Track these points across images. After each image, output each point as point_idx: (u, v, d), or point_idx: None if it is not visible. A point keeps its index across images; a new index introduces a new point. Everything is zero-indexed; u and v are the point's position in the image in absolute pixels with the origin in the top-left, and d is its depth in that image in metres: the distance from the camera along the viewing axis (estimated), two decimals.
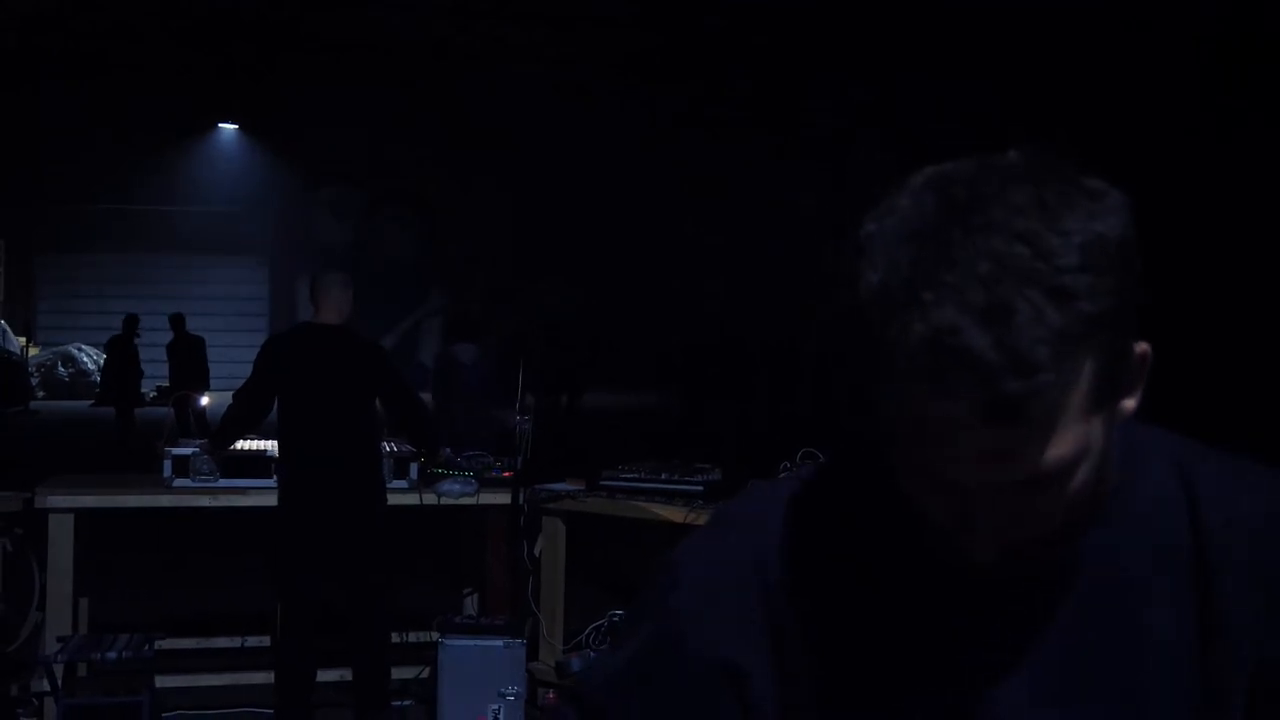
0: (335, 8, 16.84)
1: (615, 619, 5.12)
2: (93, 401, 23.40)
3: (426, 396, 5.97)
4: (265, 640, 5.23)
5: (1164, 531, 0.98)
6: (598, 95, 18.69)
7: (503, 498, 5.23)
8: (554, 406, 13.67)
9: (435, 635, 4.89)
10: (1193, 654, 0.96)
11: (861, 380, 0.89)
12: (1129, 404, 0.92)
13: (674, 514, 4.91)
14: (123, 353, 15.61)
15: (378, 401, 4.90)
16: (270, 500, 4.82)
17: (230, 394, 5.06)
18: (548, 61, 18.38)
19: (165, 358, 15.48)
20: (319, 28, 18.01)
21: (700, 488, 5.04)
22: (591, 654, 5.04)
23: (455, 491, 5.25)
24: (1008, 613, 0.97)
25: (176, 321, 15.56)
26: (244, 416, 4.83)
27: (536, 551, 5.28)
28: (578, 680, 1.13)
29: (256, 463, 5.14)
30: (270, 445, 5.08)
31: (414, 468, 5.29)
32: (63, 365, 25.61)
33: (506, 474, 5.31)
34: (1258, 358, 8.81)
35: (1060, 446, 0.85)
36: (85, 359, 25.78)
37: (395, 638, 5.17)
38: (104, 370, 16.18)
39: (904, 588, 0.99)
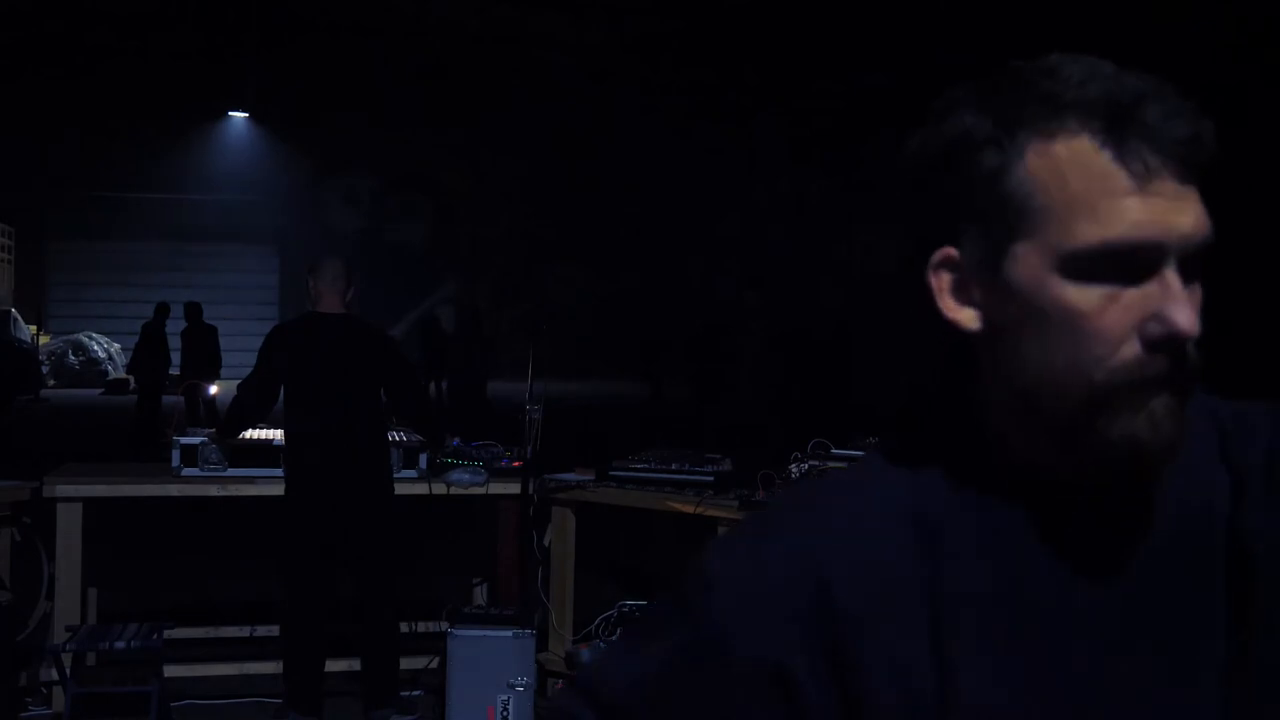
0: None
1: (625, 610, 5.09)
2: (103, 390, 23.47)
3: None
4: (274, 630, 5.22)
5: (1201, 458, 0.96)
6: (614, 81, 18.60)
7: (512, 487, 5.20)
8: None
9: (444, 625, 4.84)
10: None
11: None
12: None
13: (684, 504, 4.87)
14: (154, 340, 15.64)
15: (383, 390, 4.88)
16: (279, 489, 4.81)
17: (239, 381, 5.05)
18: (563, 47, 18.30)
19: (179, 345, 15.52)
20: (330, 13, 17.96)
21: (711, 478, 5.01)
22: (601, 644, 5.02)
23: (465, 481, 5.23)
24: (1094, 555, 0.92)
25: (192, 309, 15.59)
26: (250, 407, 4.81)
27: (546, 542, 5.25)
28: (590, 679, 1.07)
29: (265, 452, 5.13)
30: (278, 434, 5.06)
31: (423, 457, 5.28)
32: (73, 353, 25.66)
33: (516, 463, 5.28)
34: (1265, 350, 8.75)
35: (1209, 221, 0.87)
36: (96, 347, 25.83)
37: (404, 627, 5.16)
38: (133, 356, 16.21)
39: (973, 557, 0.93)
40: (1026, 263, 0.88)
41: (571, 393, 17.53)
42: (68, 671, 4.58)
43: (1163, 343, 0.86)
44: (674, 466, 5.10)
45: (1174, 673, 0.91)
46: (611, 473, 5.18)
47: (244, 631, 5.58)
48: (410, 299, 24.10)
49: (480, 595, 5.73)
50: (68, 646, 4.59)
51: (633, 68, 17.98)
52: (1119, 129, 0.85)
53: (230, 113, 25.23)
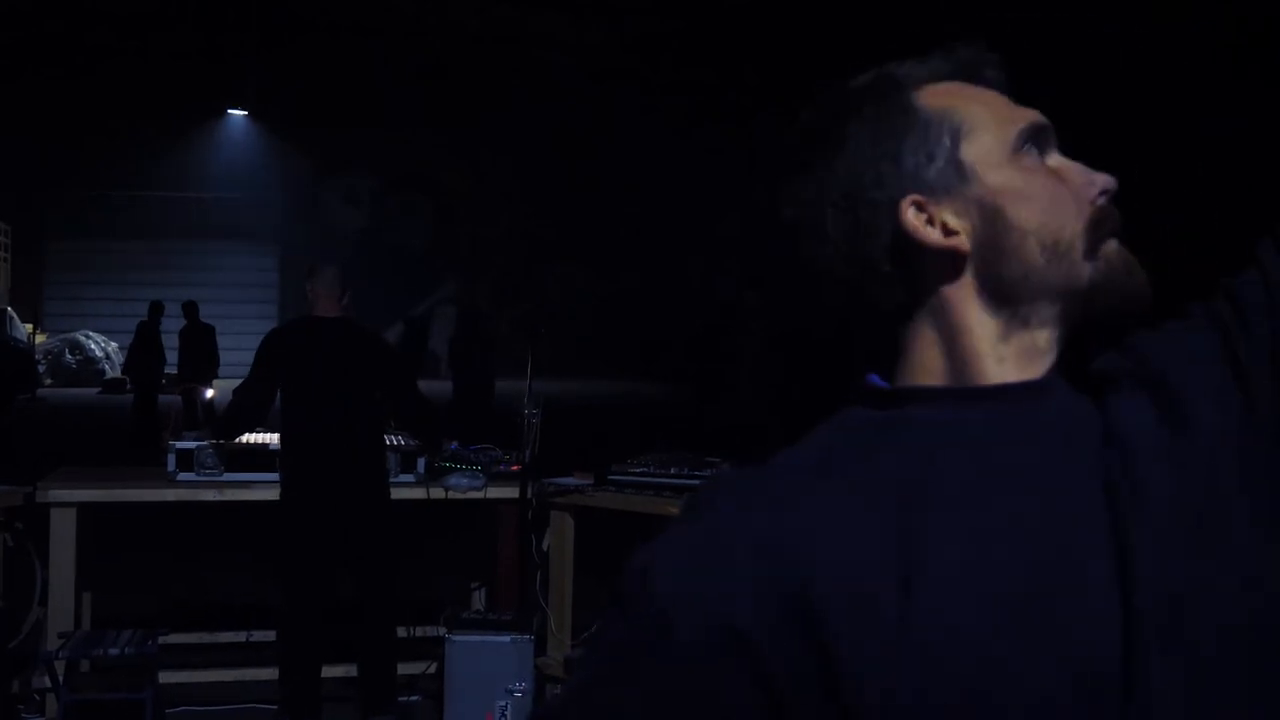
0: None
1: None
2: (100, 389, 23.44)
3: (437, 385, 5.92)
4: (271, 635, 5.18)
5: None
6: (614, 81, 18.55)
7: (511, 492, 5.17)
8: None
9: (442, 630, 4.83)
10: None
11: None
12: None
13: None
14: (149, 339, 15.62)
15: (381, 394, 4.86)
16: (276, 494, 4.78)
17: (238, 382, 5.03)
18: (563, 47, 18.24)
19: (176, 344, 15.50)
20: (330, 13, 17.91)
21: None
22: None
23: (463, 485, 5.19)
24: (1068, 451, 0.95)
25: (189, 309, 15.56)
26: (246, 411, 4.79)
27: (545, 546, 5.22)
28: (543, 709, 1.05)
29: (261, 456, 5.10)
30: (275, 439, 5.04)
31: (421, 461, 5.25)
32: (70, 353, 25.63)
33: (515, 467, 5.25)
34: None
35: None
36: (93, 346, 25.81)
37: (402, 632, 5.13)
38: (129, 355, 16.20)
39: (960, 479, 0.92)
40: (983, 161, 0.99)
41: (572, 392, 17.52)
42: (61, 679, 4.54)
43: (1102, 194, 1.00)
44: (673, 470, 5.06)
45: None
46: (610, 477, 5.13)
47: (240, 636, 5.53)
48: (410, 299, 24.08)
49: (479, 600, 5.70)
50: (61, 653, 4.55)
51: (633, 68, 17.93)
52: (966, 72, 1.04)
53: (229, 111, 25.21)
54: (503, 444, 5.47)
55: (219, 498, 5.09)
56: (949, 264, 0.99)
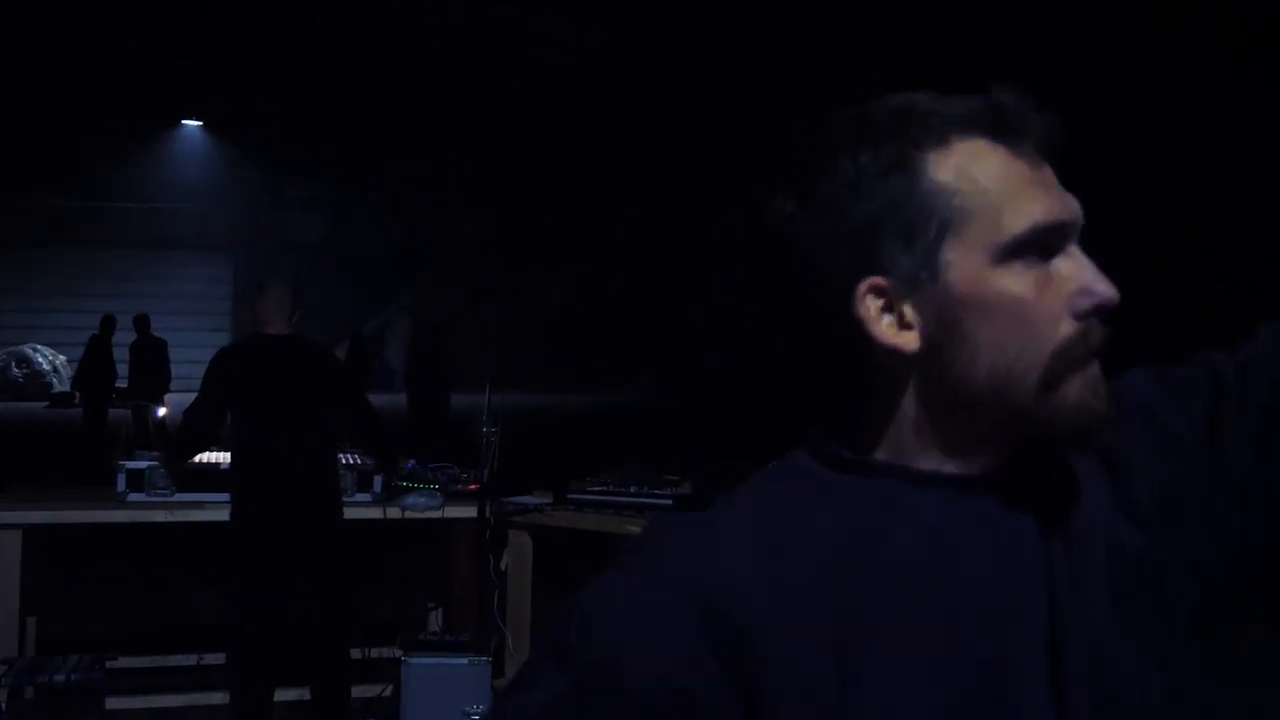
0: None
1: None
2: (48, 404, 23.08)
3: (391, 399, 5.87)
4: (222, 658, 5.10)
5: None
6: (614, 81, 18.36)
7: (469, 511, 5.13)
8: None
9: (398, 652, 4.75)
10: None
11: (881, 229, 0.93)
12: None
13: (641, 527, 4.80)
14: (100, 354, 15.40)
15: (334, 411, 4.81)
16: (228, 514, 4.70)
17: (191, 396, 4.96)
18: (563, 47, 18.02)
19: (127, 358, 15.29)
20: (307, 17, 17.65)
21: (669, 501, 4.95)
22: None
23: (420, 505, 5.14)
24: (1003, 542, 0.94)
25: (140, 322, 15.37)
26: (198, 431, 4.72)
27: (503, 566, 5.17)
28: None
29: (213, 476, 5.02)
30: (227, 458, 4.96)
31: (378, 480, 5.20)
32: (17, 366, 25.23)
33: (472, 487, 5.20)
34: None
35: None
36: (41, 359, 25.42)
37: (356, 654, 5.06)
38: (79, 370, 15.98)
39: (897, 552, 0.93)
40: (961, 264, 0.92)
41: (538, 406, 17.42)
42: (3, 707, 4.44)
43: (1093, 312, 0.93)
44: (632, 489, 5.03)
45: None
46: (569, 495, 5.10)
47: (191, 660, 5.44)
48: (369, 311, 23.91)
49: (435, 621, 5.63)
50: (3, 680, 4.44)
51: (633, 68, 17.74)
52: (1001, 128, 0.94)
53: (184, 121, 24.99)
54: (461, 462, 5.42)
55: (170, 518, 5.01)
56: (895, 354, 0.95)
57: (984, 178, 0.93)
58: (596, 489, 5.09)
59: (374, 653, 5.29)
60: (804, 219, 0.96)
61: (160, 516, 5.00)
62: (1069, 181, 0.98)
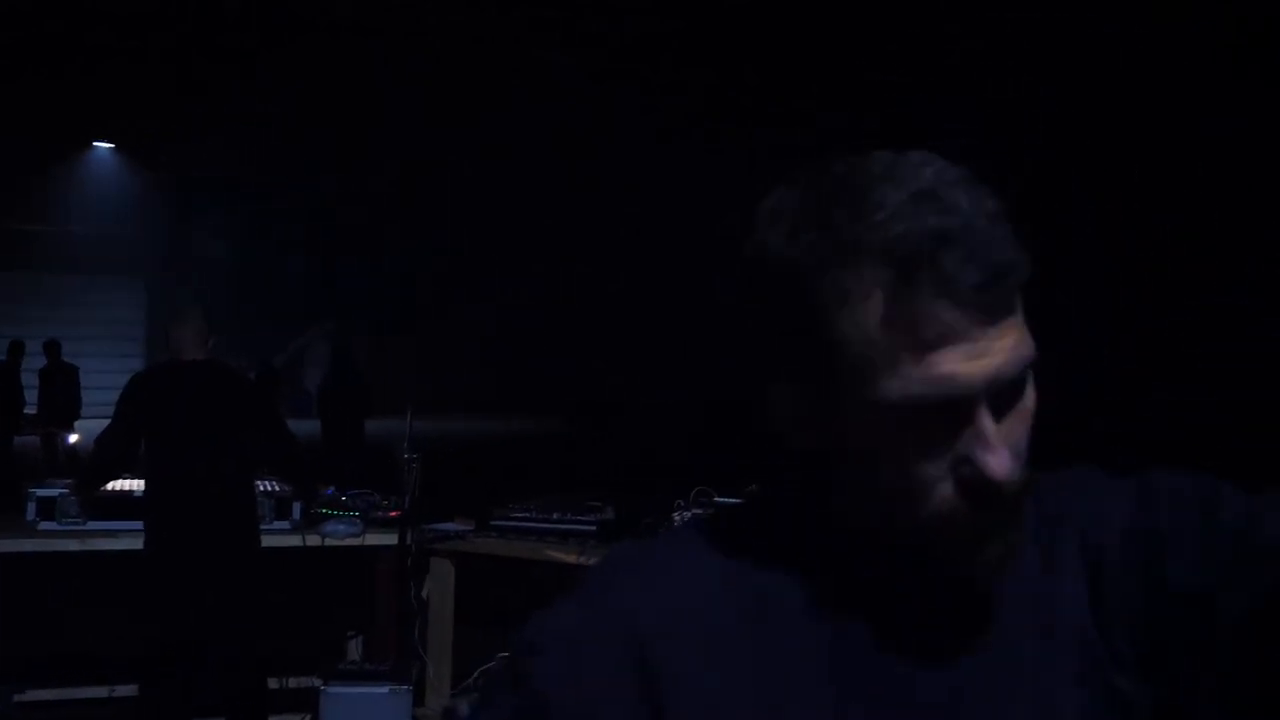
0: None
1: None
2: None
3: (309, 425, 5.81)
4: (134, 689, 4.98)
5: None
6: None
7: (390, 538, 5.09)
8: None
9: (317, 682, 4.72)
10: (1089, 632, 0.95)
11: (794, 353, 0.88)
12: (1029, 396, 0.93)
13: (567, 554, 4.82)
14: (8, 381, 15.02)
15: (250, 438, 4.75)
16: (141, 543, 4.62)
17: (102, 422, 4.87)
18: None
19: (36, 384, 14.94)
20: (218, 38, 17.28)
21: (593, 527, 4.96)
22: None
23: (340, 532, 5.09)
24: (924, 639, 0.93)
25: (51, 348, 15.05)
26: (110, 458, 4.65)
27: (424, 594, 5.13)
28: None
29: (126, 504, 4.93)
30: (139, 486, 4.88)
31: (297, 508, 5.14)
32: None
33: (393, 513, 5.16)
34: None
35: (1028, 340, 0.87)
36: None
37: (274, 684, 4.99)
38: None
39: (802, 621, 0.93)
40: (846, 405, 0.88)
41: (469, 431, 17.23)
42: None
43: (978, 487, 0.87)
44: (555, 516, 5.04)
45: None
46: (492, 522, 5.10)
47: (103, 692, 5.31)
48: (287, 336, 23.57)
49: (355, 650, 5.57)
50: None
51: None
52: (915, 280, 0.83)
53: (95, 144, 24.56)
54: (382, 489, 5.38)
55: (82, 547, 4.90)
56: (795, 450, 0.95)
57: (876, 331, 0.85)
58: (520, 515, 5.09)
59: (292, 682, 5.22)
60: (739, 303, 0.94)
61: (72, 545, 4.90)
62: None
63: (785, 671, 0.92)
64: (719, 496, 4.82)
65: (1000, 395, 0.86)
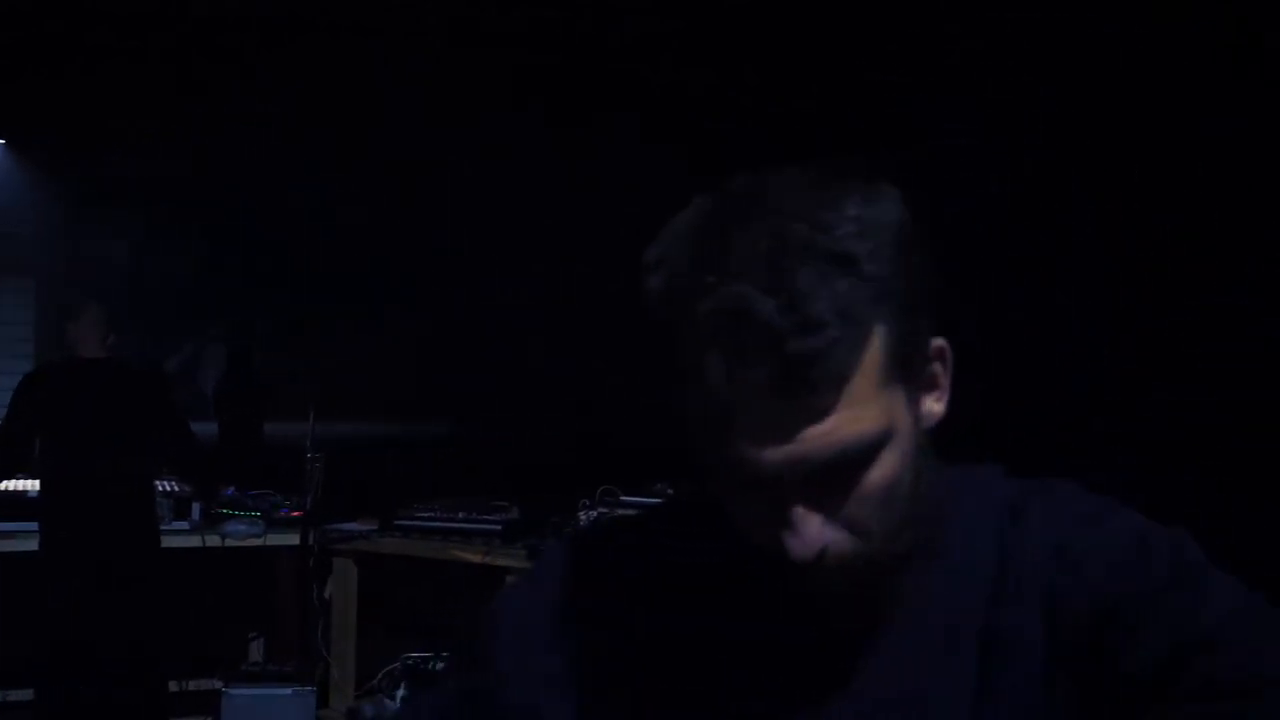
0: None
1: (409, 662, 4.98)
2: None
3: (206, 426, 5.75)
4: (29, 694, 4.89)
5: (966, 572, 0.96)
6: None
7: (292, 539, 5.05)
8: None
9: (219, 684, 4.68)
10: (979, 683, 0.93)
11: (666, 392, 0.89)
12: (934, 407, 0.92)
13: (472, 554, 4.82)
14: None
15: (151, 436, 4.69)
16: (35, 544, 4.53)
17: None
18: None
19: None
20: (103, 34, 16.94)
21: (499, 526, 4.97)
22: (385, 700, 4.90)
23: (241, 532, 5.04)
24: (826, 651, 0.94)
25: None
26: (4, 459, 4.54)
27: (327, 594, 5.10)
28: None
29: (19, 504, 4.82)
30: (34, 486, 4.78)
31: (196, 508, 5.08)
32: None
33: (295, 514, 5.12)
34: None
35: (860, 422, 0.84)
36: None
37: (174, 686, 4.93)
38: None
39: (721, 622, 0.96)
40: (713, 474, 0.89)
41: (374, 433, 16.88)
42: None
43: (788, 562, 0.87)
44: (460, 515, 5.04)
45: None
46: (396, 522, 5.08)
47: None
48: (182, 336, 23.06)
49: (257, 651, 5.51)
50: None
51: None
52: (719, 360, 0.82)
53: None
54: (283, 489, 5.33)
55: None
56: None
57: (700, 400, 0.85)
58: (424, 515, 5.08)
59: (193, 685, 5.16)
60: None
61: None
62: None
63: (695, 673, 0.96)
64: (624, 495, 4.86)
65: (817, 476, 0.85)
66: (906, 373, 0.87)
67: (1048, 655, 0.92)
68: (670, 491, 4.84)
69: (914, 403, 0.89)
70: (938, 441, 0.97)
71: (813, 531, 0.86)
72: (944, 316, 0.96)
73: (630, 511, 4.73)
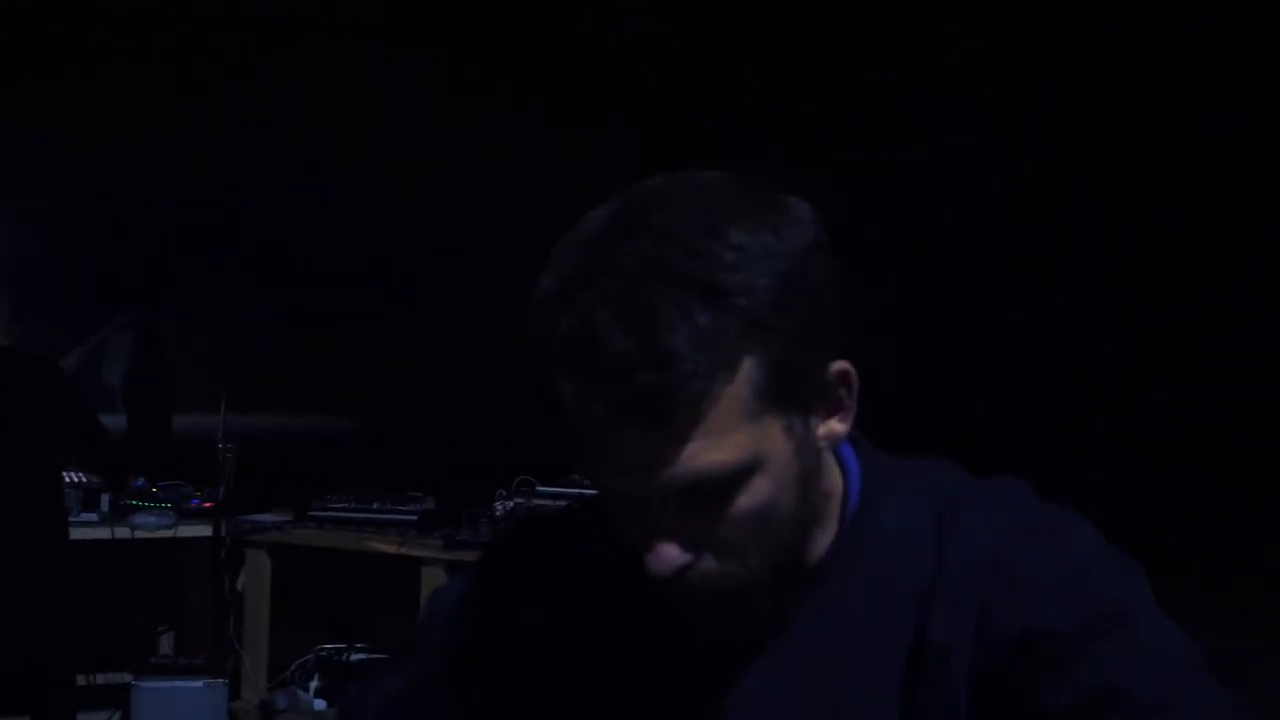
0: None
1: (323, 654, 4.98)
2: None
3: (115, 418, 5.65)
4: None
5: (896, 575, 0.95)
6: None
7: (203, 530, 4.99)
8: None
9: (128, 677, 4.62)
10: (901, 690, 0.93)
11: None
12: (836, 427, 0.92)
13: (387, 544, 4.81)
14: None
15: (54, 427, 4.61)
16: None
17: None
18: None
19: None
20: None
21: (414, 517, 4.96)
22: (298, 692, 4.89)
23: (151, 524, 4.98)
24: (719, 663, 0.95)
25: None
26: None
27: (239, 586, 5.06)
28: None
29: None
30: None
31: (105, 499, 5.01)
32: None
33: (207, 505, 5.07)
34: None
35: (720, 451, 0.83)
36: None
37: (82, 680, 4.86)
38: None
39: (624, 622, 0.98)
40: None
41: (283, 427, 16.65)
42: None
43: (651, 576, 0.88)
44: (375, 506, 5.03)
45: None
46: (310, 513, 5.06)
47: None
48: (89, 325, 22.56)
49: (167, 644, 5.44)
50: None
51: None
52: (582, 382, 0.83)
53: None
54: (195, 481, 5.27)
55: None
56: None
57: (577, 428, 0.87)
58: (339, 506, 5.06)
59: (101, 678, 5.08)
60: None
61: None
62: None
63: (599, 670, 0.99)
64: (540, 485, 4.88)
65: (678, 503, 0.86)
66: (787, 401, 0.86)
67: (970, 674, 0.91)
68: (586, 482, 4.84)
69: (801, 427, 0.88)
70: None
71: (671, 553, 0.87)
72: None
73: (546, 503, 4.77)
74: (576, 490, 4.85)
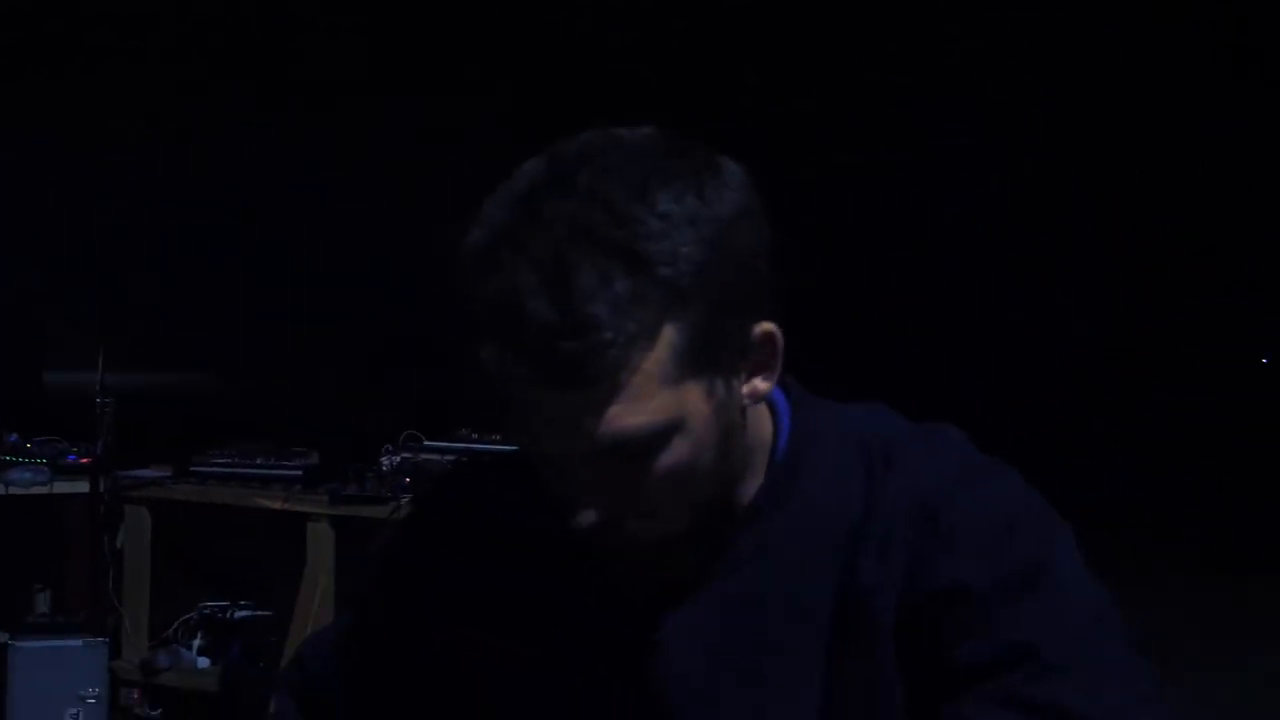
0: None
1: (205, 611, 4.92)
2: None
3: None
4: None
5: (826, 516, 0.96)
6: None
7: (80, 486, 4.91)
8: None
9: (4, 637, 4.57)
10: (830, 633, 0.95)
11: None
12: (761, 385, 0.93)
13: (271, 500, 4.77)
14: None
15: None
16: None
17: None
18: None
19: None
20: None
21: (299, 472, 4.89)
22: (180, 649, 4.84)
23: (25, 480, 4.90)
24: (649, 608, 0.97)
25: None
26: None
27: (119, 543, 5.00)
28: (297, 667, 1.17)
29: None
30: None
31: None
32: None
33: (84, 460, 5.01)
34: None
35: (640, 415, 0.85)
36: None
37: None
38: None
39: (548, 576, 1.00)
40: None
41: (159, 386, 16.66)
42: None
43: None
44: (259, 461, 4.97)
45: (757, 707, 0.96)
46: (192, 469, 5.00)
47: None
48: None
49: (44, 603, 5.39)
50: None
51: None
52: (504, 346, 0.85)
53: None
54: (71, 438, 5.22)
55: None
56: None
57: (498, 388, 0.92)
58: (221, 461, 5.00)
59: None
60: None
61: None
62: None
63: (525, 622, 1.00)
64: (428, 440, 4.83)
65: (599, 462, 0.88)
66: (708, 365, 0.87)
67: (894, 617, 0.93)
68: (475, 436, 4.84)
69: (723, 389, 0.89)
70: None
71: (595, 510, 0.90)
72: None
73: (433, 457, 4.70)
74: (463, 445, 4.78)
